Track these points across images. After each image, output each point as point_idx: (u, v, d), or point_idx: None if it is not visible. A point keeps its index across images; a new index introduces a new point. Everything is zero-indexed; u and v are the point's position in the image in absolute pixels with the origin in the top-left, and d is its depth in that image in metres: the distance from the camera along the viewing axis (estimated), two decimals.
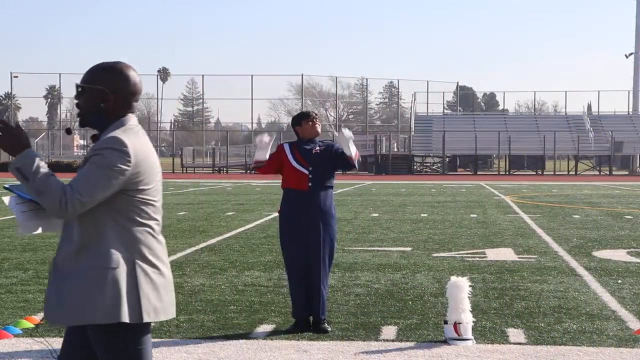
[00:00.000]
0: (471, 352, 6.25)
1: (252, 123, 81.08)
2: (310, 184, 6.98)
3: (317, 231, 6.96)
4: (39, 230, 3.54)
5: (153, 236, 3.47)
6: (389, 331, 6.89)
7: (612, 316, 7.56)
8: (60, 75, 76.68)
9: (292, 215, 7.01)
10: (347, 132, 7.00)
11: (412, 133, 68.06)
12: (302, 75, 75.90)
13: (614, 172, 63.62)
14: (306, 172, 6.99)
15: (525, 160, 66.09)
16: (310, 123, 7.09)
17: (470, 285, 6.71)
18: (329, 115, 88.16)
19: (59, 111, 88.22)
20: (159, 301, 3.48)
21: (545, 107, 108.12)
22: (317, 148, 7.07)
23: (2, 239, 13.50)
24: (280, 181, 7.19)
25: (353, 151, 7.00)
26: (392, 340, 6.58)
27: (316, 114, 7.21)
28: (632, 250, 12.61)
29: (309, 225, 6.96)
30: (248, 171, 62.36)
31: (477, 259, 11.43)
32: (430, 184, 39.23)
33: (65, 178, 3.47)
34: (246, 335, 6.74)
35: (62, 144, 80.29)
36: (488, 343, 6.53)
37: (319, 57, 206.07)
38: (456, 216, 18.89)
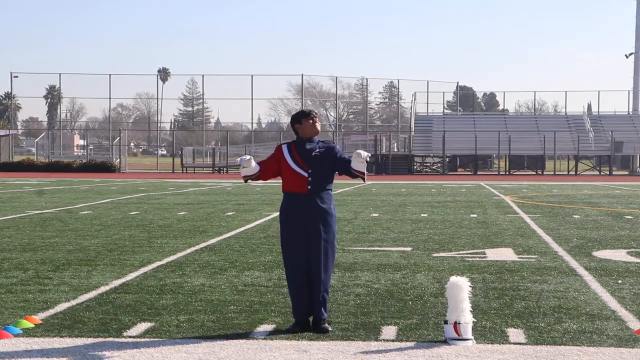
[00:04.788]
0: (471, 352, 6.24)
1: (252, 123, 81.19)
2: (309, 187, 6.96)
3: (317, 232, 6.95)
4: None
5: None
6: (389, 331, 6.89)
7: (612, 316, 7.56)
8: (60, 75, 76.64)
9: (292, 218, 6.99)
10: (364, 154, 6.98)
11: (412, 133, 68.09)
12: (302, 75, 76.01)
13: (614, 172, 63.62)
14: (305, 174, 6.96)
15: (525, 160, 66.12)
16: (311, 121, 7.06)
17: (470, 286, 6.70)
18: (329, 115, 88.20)
19: (59, 111, 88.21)
20: None
21: (545, 107, 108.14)
22: (318, 150, 7.03)
23: (2, 239, 13.50)
24: (281, 182, 7.17)
25: (364, 168, 7.00)
26: (392, 340, 6.58)
27: (316, 113, 7.20)
28: (632, 250, 12.61)
29: (309, 226, 6.95)
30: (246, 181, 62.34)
31: (477, 259, 11.43)
32: (430, 184, 39.23)
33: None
34: (246, 335, 6.73)
35: (62, 144, 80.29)
36: (488, 343, 6.52)
37: (319, 57, 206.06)
38: (456, 216, 18.88)
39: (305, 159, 6.98)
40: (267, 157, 7.19)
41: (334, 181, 7.23)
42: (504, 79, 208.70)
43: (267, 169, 7.11)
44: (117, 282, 9.23)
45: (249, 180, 7.18)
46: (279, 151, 7.08)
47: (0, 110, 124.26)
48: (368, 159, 7.06)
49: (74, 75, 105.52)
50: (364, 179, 7.14)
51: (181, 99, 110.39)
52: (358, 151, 6.99)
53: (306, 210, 6.94)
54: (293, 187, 6.99)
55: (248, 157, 7.10)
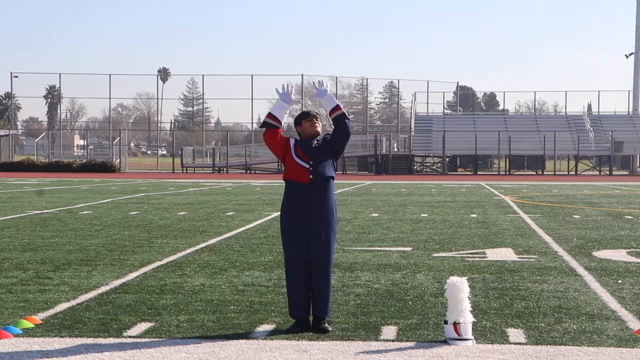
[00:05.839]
0: (471, 352, 6.24)
1: (252, 123, 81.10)
2: (311, 177, 7.03)
3: (317, 229, 6.97)
4: None
5: None
6: (389, 331, 6.88)
7: (612, 316, 7.56)
8: (60, 75, 76.61)
9: (293, 208, 7.04)
10: (321, 85, 7.09)
11: (412, 133, 68.07)
12: (302, 75, 75.97)
13: (614, 172, 63.63)
14: (307, 165, 7.05)
15: (525, 160, 66.10)
16: (309, 122, 7.15)
17: (469, 285, 6.70)
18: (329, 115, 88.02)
19: (59, 111, 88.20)
20: None
21: (545, 107, 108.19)
22: (316, 142, 7.14)
23: (2, 239, 13.49)
24: (281, 179, 7.23)
25: (332, 103, 7.09)
26: (392, 340, 6.58)
27: (317, 113, 7.25)
28: (632, 250, 12.61)
29: (310, 222, 6.97)
30: (248, 171, 62.36)
31: (477, 259, 11.43)
32: (430, 184, 39.22)
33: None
34: (246, 335, 6.73)
35: (62, 144, 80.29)
36: (488, 343, 6.52)
37: (319, 57, 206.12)
38: (456, 216, 18.88)
39: (307, 152, 7.09)
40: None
41: (335, 181, 7.23)
42: (504, 79, 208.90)
43: (278, 141, 7.12)
44: (117, 282, 9.23)
45: (265, 129, 7.13)
46: (287, 141, 7.16)
47: (0, 110, 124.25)
48: (325, 86, 7.09)
49: (74, 75, 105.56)
50: (346, 117, 7.12)
51: (181, 99, 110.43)
52: (315, 84, 7.17)
53: (307, 201, 6.99)
54: (295, 176, 7.08)
55: (296, 97, 7.12)
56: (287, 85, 7.22)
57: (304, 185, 7.03)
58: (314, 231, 6.97)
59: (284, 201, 7.16)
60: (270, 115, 7.19)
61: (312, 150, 7.08)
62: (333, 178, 7.15)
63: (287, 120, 7.76)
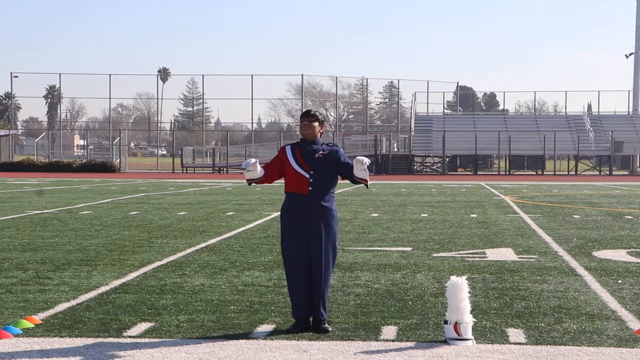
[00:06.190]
0: (471, 352, 6.24)
1: (252, 123, 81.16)
2: (310, 188, 6.94)
3: (318, 233, 6.94)
4: None
5: None
6: (389, 331, 6.88)
7: (612, 316, 7.56)
8: (60, 75, 76.58)
9: (292, 218, 6.98)
10: (365, 160, 6.95)
11: (412, 133, 68.07)
12: (302, 75, 75.97)
13: (614, 172, 63.63)
14: (307, 175, 6.95)
15: (525, 160, 66.12)
16: (301, 125, 7.07)
17: (469, 285, 6.69)
18: (329, 115, 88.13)
19: (59, 111, 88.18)
20: None
21: (545, 107, 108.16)
22: (321, 152, 7.01)
23: (2, 239, 13.50)
24: (283, 183, 7.18)
25: (366, 175, 7.00)
26: (392, 340, 6.58)
27: (314, 114, 7.10)
28: (632, 250, 12.61)
29: (310, 227, 6.93)
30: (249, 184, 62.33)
31: (477, 259, 11.43)
32: (430, 184, 39.23)
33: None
34: (246, 335, 6.73)
35: (62, 144, 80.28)
36: (488, 343, 6.52)
37: (319, 57, 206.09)
38: (456, 216, 18.88)
39: (308, 160, 6.98)
40: (271, 159, 7.18)
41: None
42: (504, 79, 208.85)
43: (272, 171, 7.12)
44: (117, 282, 9.23)
45: (253, 183, 7.18)
46: (282, 152, 7.09)
47: (0, 110, 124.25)
48: (368, 164, 7.03)
49: (74, 75, 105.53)
50: (366, 185, 7.13)
51: (181, 99, 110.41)
52: (358, 158, 6.97)
53: (306, 210, 6.93)
54: (294, 187, 6.99)
55: (253, 160, 7.06)
56: (250, 160, 7.07)
57: (303, 197, 6.96)
58: (314, 233, 6.95)
59: (283, 210, 7.10)
60: (248, 180, 7.12)
61: (314, 160, 6.96)
62: (333, 192, 7.08)
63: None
